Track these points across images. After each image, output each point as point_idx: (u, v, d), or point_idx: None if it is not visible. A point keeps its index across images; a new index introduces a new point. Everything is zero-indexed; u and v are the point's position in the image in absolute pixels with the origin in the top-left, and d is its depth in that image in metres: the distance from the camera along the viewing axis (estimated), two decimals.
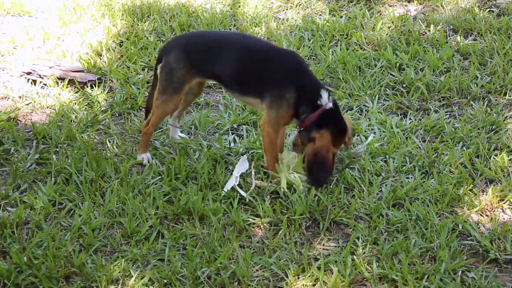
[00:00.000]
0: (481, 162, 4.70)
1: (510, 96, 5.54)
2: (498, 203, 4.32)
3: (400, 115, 5.36)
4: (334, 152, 4.36)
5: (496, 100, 5.51)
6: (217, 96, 5.60)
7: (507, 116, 5.26)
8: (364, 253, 3.88)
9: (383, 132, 5.06)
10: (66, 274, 3.71)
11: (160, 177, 4.52)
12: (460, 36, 6.42)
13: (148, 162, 4.65)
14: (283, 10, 7.06)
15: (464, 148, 4.88)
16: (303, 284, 3.68)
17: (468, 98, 5.54)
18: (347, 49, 6.14)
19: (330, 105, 4.34)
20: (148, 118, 4.71)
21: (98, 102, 5.41)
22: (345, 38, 6.41)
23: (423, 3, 7.15)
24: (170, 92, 4.50)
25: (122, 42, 6.34)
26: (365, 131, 5.05)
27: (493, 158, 4.73)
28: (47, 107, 5.36)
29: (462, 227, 4.09)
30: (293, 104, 4.32)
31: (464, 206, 4.28)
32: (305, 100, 4.33)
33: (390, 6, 7.11)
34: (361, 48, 6.26)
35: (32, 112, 5.30)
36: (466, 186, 4.43)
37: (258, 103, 4.42)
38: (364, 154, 4.68)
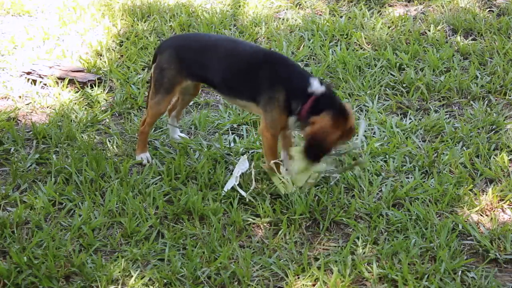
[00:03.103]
0: (481, 162, 4.70)
1: (510, 96, 5.54)
2: (498, 203, 4.32)
3: (400, 115, 5.36)
4: (339, 135, 4.16)
5: (496, 100, 5.51)
6: (217, 96, 5.60)
7: (507, 116, 5.26)
8: (364, 253, 3.88)
9: (383, 132, 5.06)
10: (66, 274, 3.72)
11: (160, 177, 4.52)
12: (460, 36, 6.42)
13: (148, 162, 4.65)
14: (283, 10, 7.06)
15: (464, 148, 4.88)
16: (303, 284, 3.68)
17: (468, 98, 5.54)
18: (347, 49, 6.13)
19: (323, 89, 4.19)
20: (144, 117, 4.71)
21: (98, 102, 5.41)
22: (345, 38, 6.40)
23: (423, 3, 7.15)
24: (162, 92, 4.48)
25: (122, 42, 6.34)
26: (365, 131, 5.05)
27: (493, 158, 4.73)
28: (47, 107, 5.36)
29: (462, 227, 4.09)
30: (284, 102, 4.21)
31: (464, 206, 4.28)
32: (294, 94, 4.21)
33: (390, 6, 7.11)
34: (361, 48, 6.26)
35: (32, 112, 5.30)
36: (466, 186, 4.43)
37: (253, 106, 4.36)
38: (362, 151, 4.67)
